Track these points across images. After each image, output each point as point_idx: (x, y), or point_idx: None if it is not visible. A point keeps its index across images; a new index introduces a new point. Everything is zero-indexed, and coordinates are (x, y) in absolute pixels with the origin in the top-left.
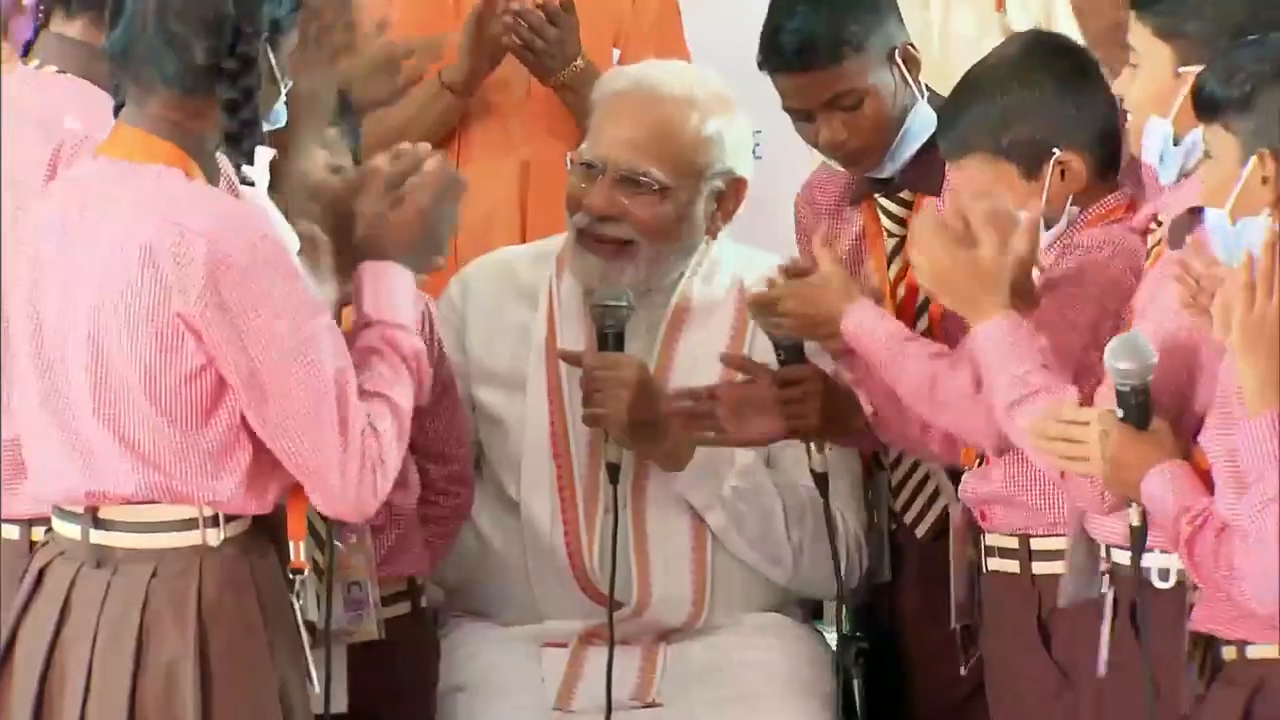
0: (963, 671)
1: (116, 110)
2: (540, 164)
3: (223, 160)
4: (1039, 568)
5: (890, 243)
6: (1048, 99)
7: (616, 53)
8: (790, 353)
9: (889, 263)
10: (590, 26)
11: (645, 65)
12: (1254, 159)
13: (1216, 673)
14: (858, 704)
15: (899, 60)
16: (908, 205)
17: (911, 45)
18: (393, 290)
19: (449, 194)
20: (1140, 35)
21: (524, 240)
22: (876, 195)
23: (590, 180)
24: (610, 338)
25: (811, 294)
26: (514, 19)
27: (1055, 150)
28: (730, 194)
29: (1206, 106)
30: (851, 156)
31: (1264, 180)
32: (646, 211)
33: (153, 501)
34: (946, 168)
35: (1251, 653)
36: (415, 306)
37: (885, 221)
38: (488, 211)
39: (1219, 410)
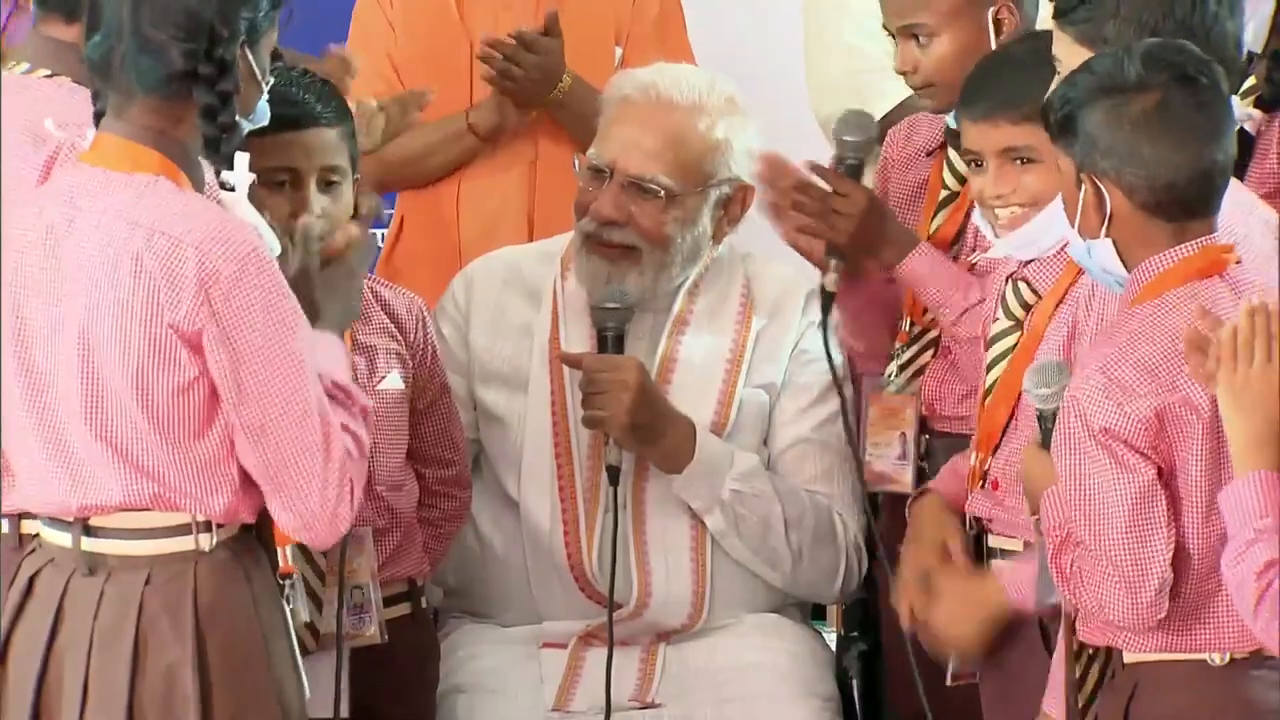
0: (949, 681)
1: (97, 119)
2: (547, 164)
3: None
4: None
5: (943, 194)
6: None
7: (618, 52)
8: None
9: (934, 213)
10: (591, 26)
11: (655, 69)
12: (1085, 183)
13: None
14: (857, 704)
15: (990, 18)
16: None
17: (1013, 8)
18: (334, 357)
19: (365, 254)
20: (1063, 44)
21: (531, 240)
22: (950, 148)
23: (598, 184)
24: (611, 340)
25: None
26: (485, 50)
27: None
28: (737, 200)
29: (1048, 132)
30: (917, 87)
31: (1092, 203)
32: (652, 219)
33: (145, 509)
34: (967, 124)
35: (1128, 658)
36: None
37: (947, 176)
38: (495, 211)
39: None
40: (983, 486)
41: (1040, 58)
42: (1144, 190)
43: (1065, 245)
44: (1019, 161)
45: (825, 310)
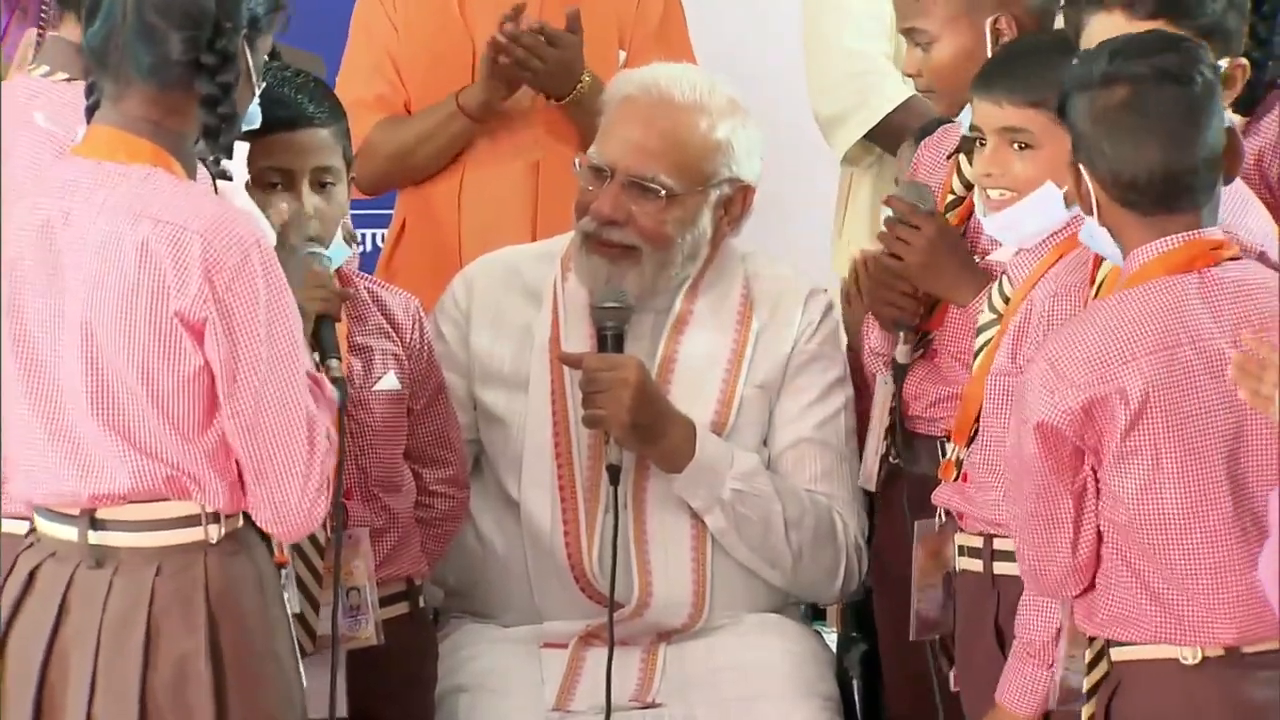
0: (952, 686)
1: (90, 112)
2: (551, 165)
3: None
4: (1000, 568)
5: (950, 198)
6: None
7: (622, 55)
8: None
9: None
10: (595, 29)
11: (655, 69)
12: (1071, 170)
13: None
14: (857, 704)
15: (990, 28)
16: None
17: (1010, 19)
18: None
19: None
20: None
21: (535, 239)
22: (963, 153)
23: (598, 183)
24: (610, 339)
25: None
26: (508, 42)
27: None
28: (737, 200)
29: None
30: (922, 90)
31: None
32: (651, 219)
33: (155, 499)
34: (975, 101)
35: (1114, 654)
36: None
37: (955, 181)
38: (497, 212)
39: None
40: (955, 478)
41: (1066, 48)
42: (1110, 185)
43: (1048, 236)
44: (1017, 146)
45: (898, 381)
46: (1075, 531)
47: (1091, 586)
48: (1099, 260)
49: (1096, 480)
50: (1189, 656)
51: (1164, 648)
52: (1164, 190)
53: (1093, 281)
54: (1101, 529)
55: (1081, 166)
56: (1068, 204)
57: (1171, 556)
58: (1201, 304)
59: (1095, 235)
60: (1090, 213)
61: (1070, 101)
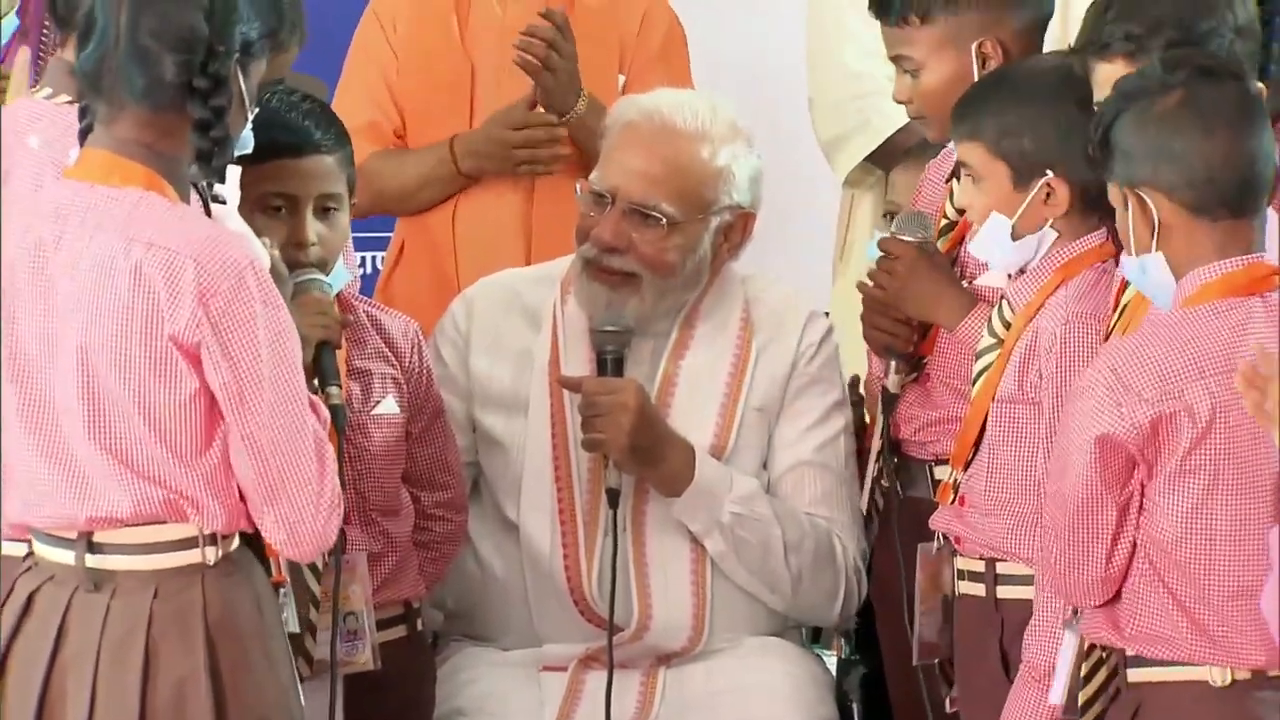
0: (949, 708)
1: (83, 134)
2: (546, 185)
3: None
4: (1004, 591)
5: (943, 222)
6: (1061, 124)
7: (622, 79)
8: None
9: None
10: (596, 52)
11: (658, 95)
12: (1130, 199)
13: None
14: None
15: (975, 52)
16: None
17: (995, 44)
18: None
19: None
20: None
21: (529, 261)
22: (956, 179)
23: (599, 209)
24: (610, 362)
25: None
26: (525, 39)
27: (1049, 172)
28: (738, 227)
29: (1096, 164)
30: (913, 117)
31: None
32: (653, 246)
33: (153, 522)
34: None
35: (1132, 676)
36: None
37: (948, 205)
38: (492, 235)
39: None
40: (952, 502)
41: (1005, 84)
42: (1183, 187)
43: (1044, 261)
44: (969, 179)
45: (886, 411)
46: (1113, 543)
47: (1116, 598)
48: (1123, 286)
49: (1141, 493)
50: (1219, 678)
51: (1194, 669)
52: (1238, 182)
53: (1116, 306)
54: (1136, 542)
55: (1139, 189)
56: (1015, 235)
57: (1214, 576)
58: (1266, 328)
59: (1147, 267)
60: (1148, 242)
61: (1119, 121)
